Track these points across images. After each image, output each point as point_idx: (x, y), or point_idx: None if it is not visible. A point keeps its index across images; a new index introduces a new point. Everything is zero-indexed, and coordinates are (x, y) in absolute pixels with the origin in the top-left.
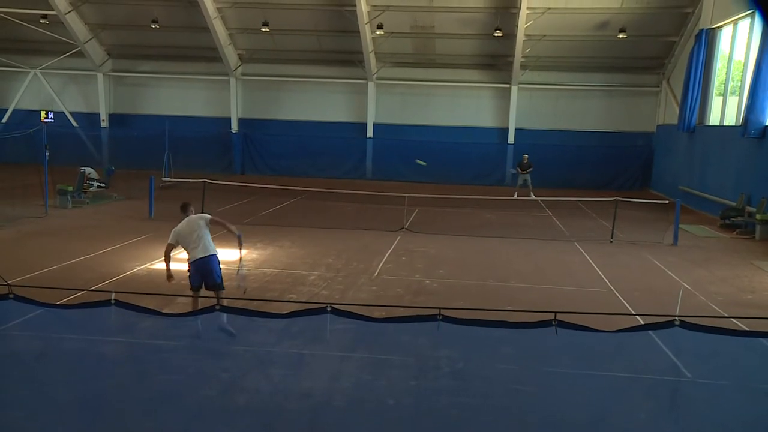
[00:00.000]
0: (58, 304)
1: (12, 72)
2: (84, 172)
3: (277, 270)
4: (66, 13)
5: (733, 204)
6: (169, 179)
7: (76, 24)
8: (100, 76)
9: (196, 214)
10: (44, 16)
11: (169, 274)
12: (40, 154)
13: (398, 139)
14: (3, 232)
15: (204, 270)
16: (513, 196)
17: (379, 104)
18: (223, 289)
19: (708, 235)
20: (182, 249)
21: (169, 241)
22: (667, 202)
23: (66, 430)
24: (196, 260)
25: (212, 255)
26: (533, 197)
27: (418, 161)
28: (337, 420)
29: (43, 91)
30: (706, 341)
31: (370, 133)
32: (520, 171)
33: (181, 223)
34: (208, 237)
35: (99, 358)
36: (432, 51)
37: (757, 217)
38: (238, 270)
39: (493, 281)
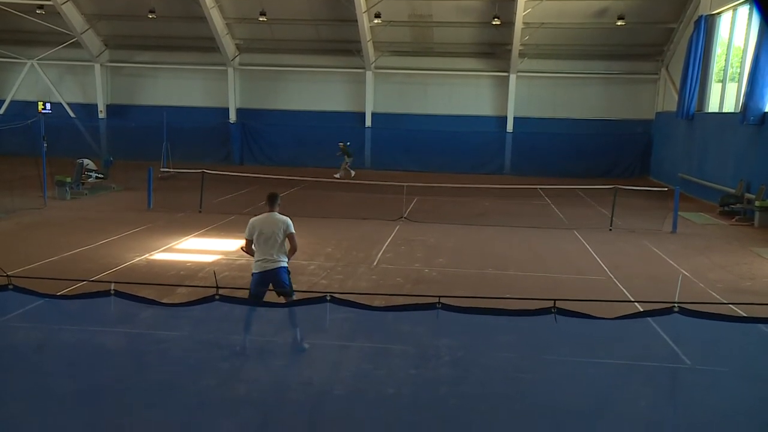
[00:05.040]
0: (58, 295)
1: (8, 63)
2: (82, 163)
3: None
4: (62, 4)
5: (732, 191)
6: (167, 170)
7: (72, 14)
8: (97, 66)
9: (278, 211)
10: (40, 7)
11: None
12: (37, 145)
13: (397, 128)
14: (2, 224)
15: (270, 282)
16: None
17: (377, 93)
18: (291, 295)
19: (707, 222)
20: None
21: (245, 237)
22: (666, 189)
23: (66, 421)
24: (262, 272)
25: (281, 268)
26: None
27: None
28: (338, 409)
29: (40, 82)
30: (706, 328)
31: (368, 123)
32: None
33: (259, 217)
34: (282, 245)
35: (98, 349)
36: (430, 39)
37: (756, 203)
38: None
39: (493, 269)
